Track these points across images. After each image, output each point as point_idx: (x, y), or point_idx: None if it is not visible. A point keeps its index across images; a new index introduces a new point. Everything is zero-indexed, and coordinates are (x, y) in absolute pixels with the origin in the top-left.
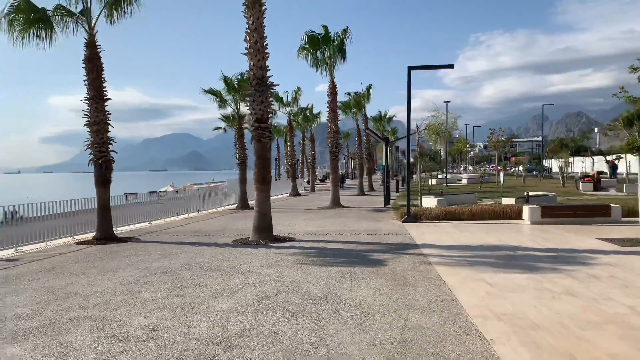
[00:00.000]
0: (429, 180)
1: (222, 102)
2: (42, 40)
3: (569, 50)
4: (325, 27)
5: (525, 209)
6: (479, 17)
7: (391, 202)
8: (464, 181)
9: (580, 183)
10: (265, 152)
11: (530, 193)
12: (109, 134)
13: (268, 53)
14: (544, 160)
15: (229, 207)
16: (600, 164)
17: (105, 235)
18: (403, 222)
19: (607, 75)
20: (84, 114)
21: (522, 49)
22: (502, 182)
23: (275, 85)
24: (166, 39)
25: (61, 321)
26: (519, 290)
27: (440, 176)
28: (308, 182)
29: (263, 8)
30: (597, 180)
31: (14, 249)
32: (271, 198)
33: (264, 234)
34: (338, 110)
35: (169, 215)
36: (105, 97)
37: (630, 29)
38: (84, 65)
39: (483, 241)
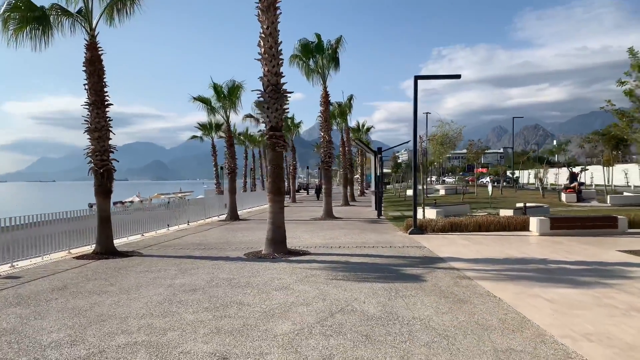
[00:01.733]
0: (406, 190)
1: (212, 110)
2: (37, 40)
3: (527, 65)
4: (318, 36)
5: (533, 221)
6: (441, 31)
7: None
8: (442, 192)
9: (563, 194)
10: (280, 161)
11: (521, 205)
12: (110, 142)
13: (282, 59)
14: (510, 172)
15: (217, 218)
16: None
17: (106, 249)
18: (410, 234)
19: (562, 90)
20: (84, 120)
21: (482, 63)
22: (490, 193)
23: (290, 93)
24: (131, 45)
25: (111, 348)
26: (582, 307)
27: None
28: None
29: (278, 12)
30: (578, 192)
31: (9, 265)
32: (253, 209)
33: (279, 247)
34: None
35: (160, 227)
36: (106, 102)
37: (583, 46)
38: (84, 68)
39: (505, 254)
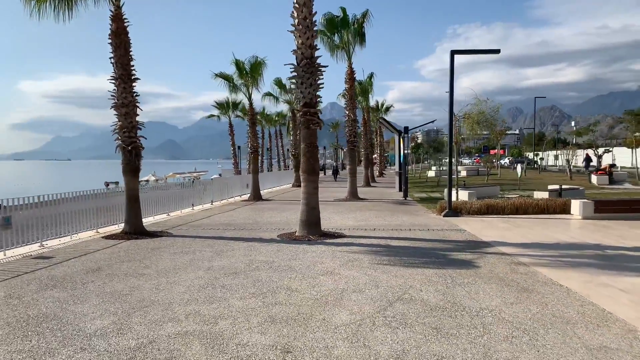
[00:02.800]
0: (427, 172)
1: (233, 88)
2: (60, 11)
3: (544, 44)
4: (343, 10)
5: (575, 203)
6: (456, 9)
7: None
8: (463, 173)
9: (594, 176)
10: (314, 139)
11: (555, 187)
12: (137, 118)
13: (317, 31)
14: (526, 154)
15: (239, 198)
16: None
17: (135, 229)
18: (444, 216)
19: (580, 70)
20: (111, 95)
21: (498, 42)
22: (519, 175)
23: (324, 67)
24: (143, 24)
25: (161, 339)
26: None
27: (434, 168)
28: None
29: None
30: (609, 174)
31: (39, 244)
32: (274, 189)
33: (313, 228)
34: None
35: (185, 206)
36: (133, 77)
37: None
38: (110, 41)
39: (553, 238)
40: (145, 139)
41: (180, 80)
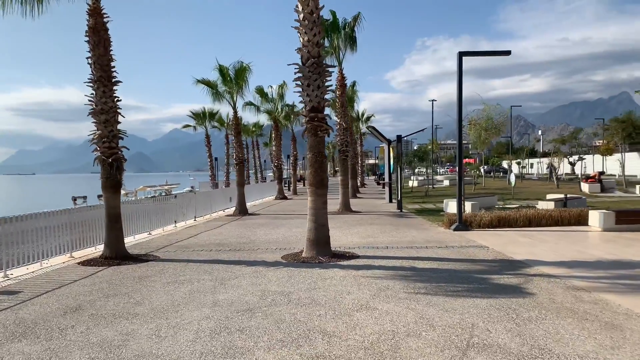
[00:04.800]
0: (409, 181)
1: (217, 95)
2: (28, 6)
3: (510, 56)
4: (333, 13)
5: (595, 215)
6: (425, 22)
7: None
8: (446, 182)
9: (584, 184)
10: (322, 148)
11: (554, 197)
12: (119, 126)
13: (323, 27)
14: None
15: (222, 212)
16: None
17: (117, 253)
18: (454, 230)
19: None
20: (88, 100)
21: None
22: (513, 184)
23: (333, 67)
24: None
25: None
26: None
27: (420, 178)
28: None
29: None
30: (599, 181)
31: (2, 274)
32: (257, 202)
33: (322, 249)
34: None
35: (167, 223)
36: (114, 79)
37: (564, 37)
38: (87, 39)
39: (591, 255)
40: (128, 149)
41: (148, 92)
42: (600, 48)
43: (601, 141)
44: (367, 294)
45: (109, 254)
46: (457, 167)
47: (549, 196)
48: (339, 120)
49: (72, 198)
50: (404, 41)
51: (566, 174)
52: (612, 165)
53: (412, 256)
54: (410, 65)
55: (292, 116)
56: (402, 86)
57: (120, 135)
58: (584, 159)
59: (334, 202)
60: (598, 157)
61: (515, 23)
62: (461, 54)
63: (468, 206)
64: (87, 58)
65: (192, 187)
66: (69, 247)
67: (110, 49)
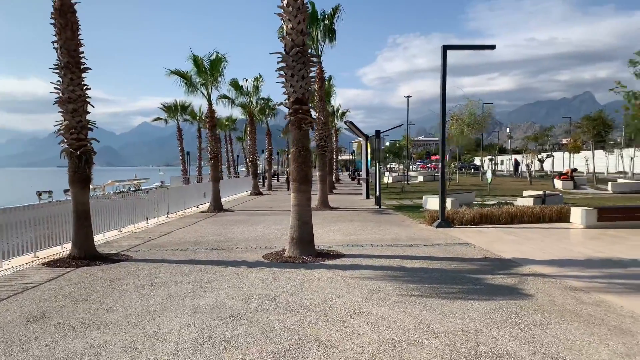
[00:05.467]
0: (384, 178)
1: (190, 87)
2: None
3: (479, 54)
4: (312, 4)
5: (577, 211)
6: (397, 19)
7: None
8: (420, 179)
9: (557, 181)
10: (306, 142)
11: (531, 193)
12: (88, 116)
13: (308, 14)
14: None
15: (195, 209)
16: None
17: (86, 253)
18: (437, 227)
19: (511, 79)
20: (55, 88)
21: (436, 52)
22: (489, 180)
23: (318, 57)
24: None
25: None
26: None
27: (394, 174)
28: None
29: None
30: (571, 178)
31: None
32: (231, 197)
33: (306, 247)
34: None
35: (139, 219)
36: (83, 66)
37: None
38: (52, 21)
39: (580, 253)
40: (98, 141)
41: (117, 84)
42: (566, 48)
43: (567, 139)
44: (358, 296)
45: (77, 253)
46: (439, 164)
47: (526, 193)
48: (317, 114)
49: (37, 193)
50: (376, 38)
51: (535, 170)
52: (578, 162)
53: (399, 255)
54: (382, 62)
55: (268, 110)
56: (374, 83)
57: (89, 126)
58: (553, 156)
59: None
60: (565, 154)
61: (484, 22)
62: (445, 48)
63: (448, 203)
64: (52, 42)
65: (162, 182)
66: (33, 246)
67: (79, 33)
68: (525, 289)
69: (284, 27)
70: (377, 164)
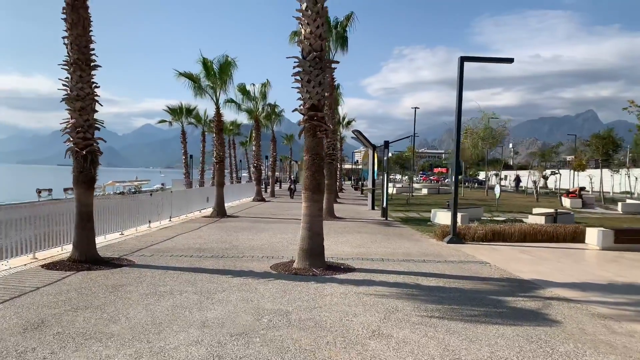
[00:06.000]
0: (392, 188)
1: (199, 90)
2: None
3: (483, 68)
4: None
5: (593, 232)
6: (403, 31)
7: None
8: (424, 191)
9: (566, 199)
10: (320, 149)
11: (541, 211)
12: (95, 115)
13: (326, 18)
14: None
15: (198, 213)
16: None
17: (87, 256)
18: (448, 242)
19: (514, 95)
20: (63, 85)
21: (442, 65)
22: (498, 196)
23: (336, 62)
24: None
25: None
26: None
27: (398, 185)
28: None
29: None
30: (579, 197)
31: None
32: (234, 203)
33: (316, 260)
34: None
35: (141, 222)
36: (92, 64)
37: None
38: (63, 17)
39: (601, 277)
40: (105, 141)
41: (120, 85)
42: (570, 66)
43: (572, 157)
44: (376, 316)
45: (78, 256)
46: (441, 177)
47: (535, 210)
48: (328, 122)
49: (37, 190)
50: (382, 48)
51: (540, 187)
52: (583, 181)
53: (413, 271)
54: (386, 72)
55: (274, 116)
56: (378, 93)
57: (96, 125)
58: (560, 173)
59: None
60: (570, 172)
61: (489, 37)
62: (462, 59)
63: (458, 218)
64: (63, 38)
65: (162, 184)
66: (32, 246)
67: (90, 29)
68: (552, 315)
69: (302, 31)
70: (386, 175)
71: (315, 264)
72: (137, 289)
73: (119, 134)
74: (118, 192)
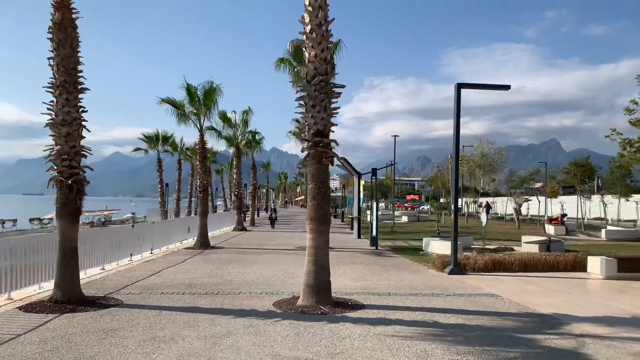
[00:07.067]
0: (368, 217)
1: (183, 117)
2: None
3: (452, 99)
4: None
5: (596, 261)
6: (373, 62)
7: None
8: (404, 218)
9: (549, 226)
10: (326, 177)
11: (532, 239)
12: (82, 141)
13: (332, 42)
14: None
15: (179, 244)
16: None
17: (71, 296)
18: (449, 273)
19: (482, 124)
20: (47, 108)
21: (411, 95)
22: (484, 223)
23: (342, 87)
24: (40, 51)
25: None
26: None
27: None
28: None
29: None
30: (562, 224)
31: None
32: (215, 233)
33: (323, 296)
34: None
35: (122, 255)
36: (80, 86)
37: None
38: (50, 36)
39: (620, 310)
40: (92, 170)
41: (90, 113)
42: (533, 97)
43: (540, 184)
44: None
45: (61, 296)
46: (415, 204)
47: (525, 238)
48: None
49: (0, 221)
50: (354, 79)
51: (508, 214)
52: (555, 208)
53: (425, 307)
54: (358, 102)
55: (254, 144)
56: (350, 122)
57: (83, 152)
58: (530, 200)
59: (300, 236)
60: (541, 199)
61: (457, 68)
62: (459, 86)
63: (448, 246)
64: (48, 59)
65: (133, 214)
66: (7, 285)
67: (79, 50)
68: (592, 356)
69: (306, 54)
70: (375, 203)
71: (322, 301)
72: (132, 334)
73: (87, 162)
74: (87, 222)
